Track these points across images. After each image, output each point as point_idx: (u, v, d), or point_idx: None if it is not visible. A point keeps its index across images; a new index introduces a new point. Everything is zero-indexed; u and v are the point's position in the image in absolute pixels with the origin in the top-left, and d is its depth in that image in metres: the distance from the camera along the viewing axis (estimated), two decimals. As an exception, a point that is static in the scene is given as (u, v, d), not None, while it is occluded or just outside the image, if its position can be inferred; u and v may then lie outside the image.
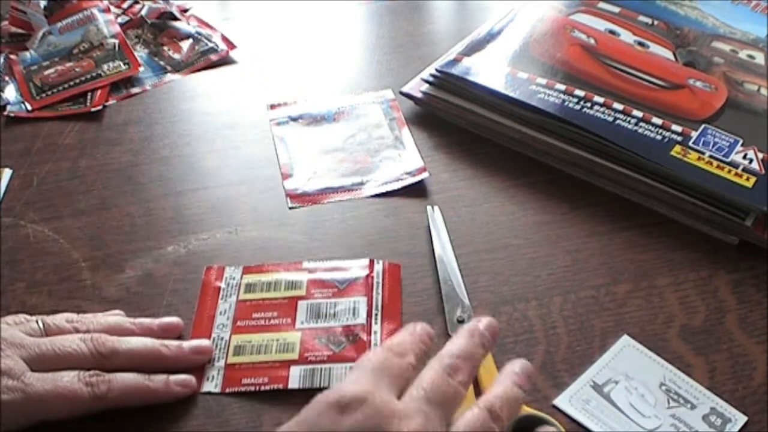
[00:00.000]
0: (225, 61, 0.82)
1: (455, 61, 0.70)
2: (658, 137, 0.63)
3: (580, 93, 0.66)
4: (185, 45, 0.83)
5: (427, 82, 0.71)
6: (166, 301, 0.57)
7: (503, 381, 0.44)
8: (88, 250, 0.62)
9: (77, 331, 0.52)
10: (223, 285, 0.58)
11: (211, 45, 0.83)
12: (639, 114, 0.64)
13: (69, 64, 0.80)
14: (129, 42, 0.83)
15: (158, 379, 0.50)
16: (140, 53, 0.83)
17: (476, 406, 0.42)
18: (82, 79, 0.79)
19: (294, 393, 0.51)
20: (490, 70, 0.69)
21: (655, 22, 0.75)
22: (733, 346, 0.53)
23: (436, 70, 0.70)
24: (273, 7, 0.90)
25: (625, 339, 0.53)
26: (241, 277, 0.58)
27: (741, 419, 0.49)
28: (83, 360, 0.49)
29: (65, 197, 0.67)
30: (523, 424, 0.46)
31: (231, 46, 0.83)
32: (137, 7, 0.88)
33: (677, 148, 0.62)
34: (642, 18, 0.75)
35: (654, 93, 0.67)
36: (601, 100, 0.65)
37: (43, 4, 0.86)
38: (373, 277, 0.57)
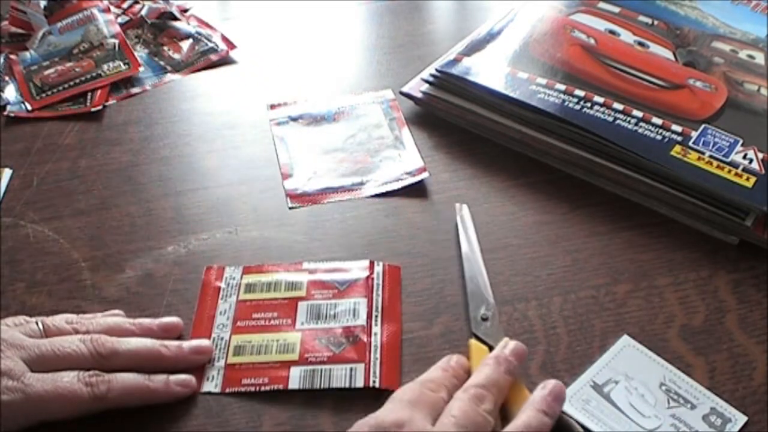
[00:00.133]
0: (225, 61, 0.82)
1: (455, 61, 0.70)
2: (658, 137, 0.63)
3: (580, 93, 0.66)
4: (185, 45, 0.83)
5: (427, 82, 0.71)
6: (166, 301, 0.57)
7: (527, 409, 0.46)
8: (88, 250, 0.62)
9: (77, 332, 0.52)
10: (223, 285, 0.58)
11: (211, 45, 0.83)
12: (639, 114, 0.64)
13: (69, 64, 0.80)
14: (129, 42, 0.83)
15: (158, 379, 0.50)
16: (140, 53, 0.83)
17: None
18: (82, 79, 0.79)
19: (294, 393, 0.51)
20: (490, 70, 0.69)
21: (655, 22, 0.75)
22: (733, 346, 0.53)
23: (436, 70, 0.70)
24: (273, 7, 0.90)
25: (625, 339, 0.53)
26: (241, 277, 0.58)
27: (741, 419, 0.49)
28: (83, 361, 0.49)
29: (65, 197, 0.67)
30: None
31: (231, 46, 0.83)
32: (137, 7, 0.88)
33: (677, 148, 0.62)
34: (642, 18, 0.75)
35: (654, 93, 0.67)
36: (601, 100, 0.65)
37: (43, 4, 0.86)
38: (373, 279, 0.57)
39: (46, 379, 0.48)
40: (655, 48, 0.72)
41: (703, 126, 0.64)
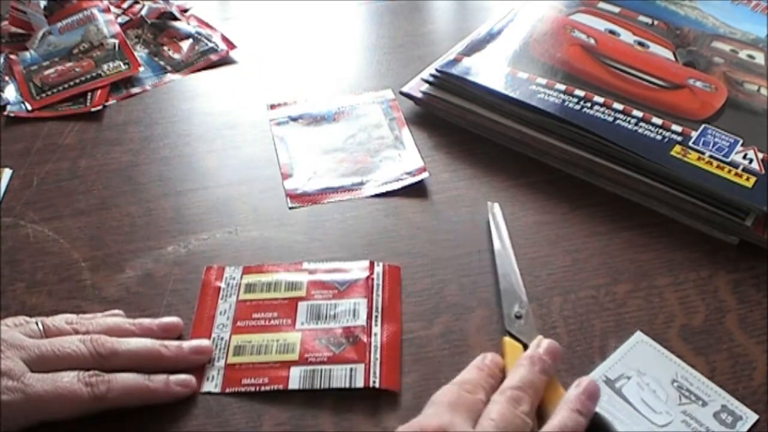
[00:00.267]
0: (225, 61, 0.82)
1: (455, 61, 0.70)
2: (658, 137, 0.63)
3: (580, 93, 0.66)
4: (185, 45, 0.83)
5: (427, 82, 0.71)
6: (166, 301, 0.57)
7: (562, 409, 0.46)
8: (88, 250, 0.62)
9: (77, 332, 0.52)
10: (223, 285, 0.58)
11: (211, 45, 0.83)
12: (639, 114, 0.64)
13: (69, 64, 0.80)
14: (129, 42, 0.83)
15: (158, 379, 0.50)
16: (140, 53, 0.83)
17: None
18: (82, 79, 0.79)
19: (294, 393, 0.51)
20: (490, 70, 0.69)
21: (655, 22, 0.75)
22: (733, 346, 0.53)
23: (436, 70, 0.70)
24: (273, 7, 0.90)
25: (638, 335, 0.53)
26: (241, 277, 0.58)
27: (752, 417, 0.49)
28: (83, 361, 0.49)
29: (65, 197, 0.67)
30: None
31: (231, 46, 0.83)
32: (137, 7, 0.88)
33: (677, 148, 0.62)
34: (642, 18, 0.75)
35: (654, 93, 0.67)
36: (601, 100, 0.65)
37: (43, 4, 0.86)
38: (373, 279, 0.57)
39: (46, 380, 0.48)
40: (655, 48, 0.72)
41: (703, 126, 0.64)
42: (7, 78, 0.80)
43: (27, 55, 0.82)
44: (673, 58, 0.71)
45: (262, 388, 0.51)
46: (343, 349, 0.53)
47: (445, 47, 0.76)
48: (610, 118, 0.64)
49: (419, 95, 0.72)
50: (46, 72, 0.80)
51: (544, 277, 0.58)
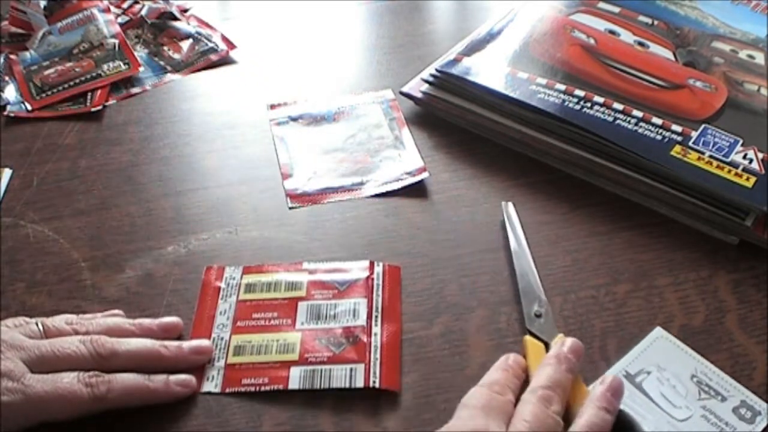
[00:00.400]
0: (225, 61, 0.82)
1: (455, 61, 0.70)
2: (658, 137, 0.63)
3: (580, 93, 0.66)
4: (185, 45, 0.83)
5: (427, 82, 0.71)
6: (166, 301, 0.57)
7: (588, 407, 0.46)
8: (88, 250, 0.62)
9: (77, 332, 0.52)
10: (223, 285, 0.58)
11: (211, 45, 0.83)
12: (639, 114, 0.64)
13: (69, 64, 0.80)
14: (129, 42, 0.83)
15: (158, 380, 0.50)
16: (140, 53, 0.83)
17: None
18: (82, 79, 0.79)
19: (294, 393, 0.51)
20: (490, 70, 0.69)
21: (655, 22, 0.75)
22: (733, 346, 0.53)
23: (436, 70, 0.70)
24: (273, 7, 0.90)
25: (658, 330, 0.54)
26: (241, 277, 0.58)
27: None
28: (83, 361, 0.49)
29: (65, 197, 0.67)
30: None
31: (231, 46, 0.83)
32: (137, 7, 0.88)
33: (677, 148, 0.62)
34: (642, 18, 0.75)
35: (654, 93, 0.67)
36: (601, 100, 0.65)
37: (43, 4, 0.86)
38: (373, 279, 0.57)
39: (46, 380, 0.48)
40: (655, 48, 0.72)
41: (703, 126, 0.64)
42: (7, 78, 0.80)
43: (27, 55, 0.82)
44: (673, 58, 0.71)
45: (262, 388, 0.51)
46: (343, 349, 0.53)
47: (445, 47, 0.76)
48: (610, 118, 0.64)
49: (419, 95, 0.72)
50: (46, 72, 0.80)
51: (544, 277, 0.58)
